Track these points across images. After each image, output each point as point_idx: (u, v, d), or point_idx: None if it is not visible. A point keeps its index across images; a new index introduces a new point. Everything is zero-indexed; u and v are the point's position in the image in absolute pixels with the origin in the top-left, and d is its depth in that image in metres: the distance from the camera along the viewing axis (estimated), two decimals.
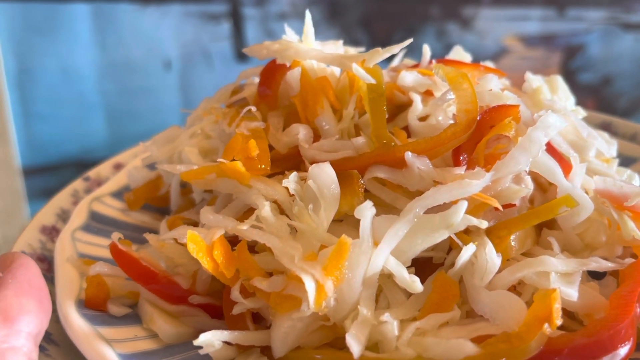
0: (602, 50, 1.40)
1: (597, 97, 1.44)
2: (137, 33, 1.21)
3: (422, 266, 0.56)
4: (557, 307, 0.48)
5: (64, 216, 0.77)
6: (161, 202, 0.78)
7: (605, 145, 0.70)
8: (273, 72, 0.68)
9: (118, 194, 0.80)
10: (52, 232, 0.73)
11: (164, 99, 1.25)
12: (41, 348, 0.53)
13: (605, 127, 0.91)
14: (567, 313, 0.53)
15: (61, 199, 0.80)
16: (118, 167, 0.88)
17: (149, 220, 0.77)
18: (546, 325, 0.47)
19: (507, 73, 0.72)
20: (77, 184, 0.83)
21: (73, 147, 1.24)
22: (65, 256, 0.64)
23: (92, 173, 0.86)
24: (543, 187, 0.65)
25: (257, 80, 0.73)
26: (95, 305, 0.59)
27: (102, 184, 0.82)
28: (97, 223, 0.73)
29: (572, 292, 0.51)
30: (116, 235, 0.60)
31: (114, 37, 1.21)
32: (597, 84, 1.42)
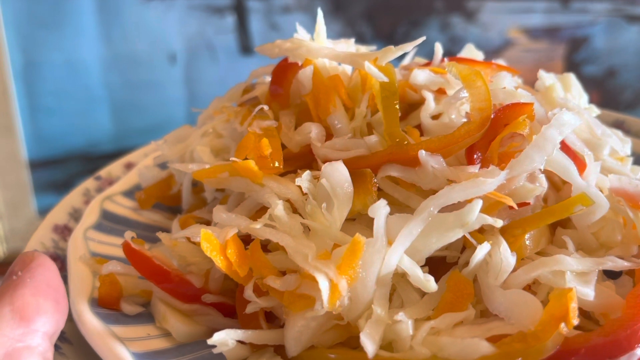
0: (607, 43, 1.39)
1: (602, 89, 1.43)
2: (142, 26, 1.22)
3: (436, 265, 0.55)
4: (573, 306, 0.47)
5: (75, 215, 0.77)
6: (172, 201, 0.78)
7: (620, 144, 0.69)
8: (285, 70, 0.67)
9: (129, 193, 0.80)
10: (64, 231, 0.74)
11: (169, 92, 1.25)
12: (55, 347, 0.53)
13: (617, 125, 0.91)
14: (583, 313, 0.52)
15: (73, 198, 0.80)
16: (129, 166, 0.89)
17: (160, 219, 0.77)
18: (562, 324, 0.46)
19: (518, 70, 0.72)
20: (89, 183, 0.83)
21: (79, 140, 1.24)
22: (77, 255, 0.64)
23: (103, 172, 0.87)
24: (557, 185, 0.64)
25: (268, 79, 0.73)
26: (108, 304, 0.59)
27: (113, 183, 0.83)
28: (109, 222, 0.73)
29: (588, 292, 0.50)
30: (129, 234, 0.60)
31: (119, 30, 1.21)
32: (602, 76, 1.42)
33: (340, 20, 1.22)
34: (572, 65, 1.41)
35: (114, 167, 0.88)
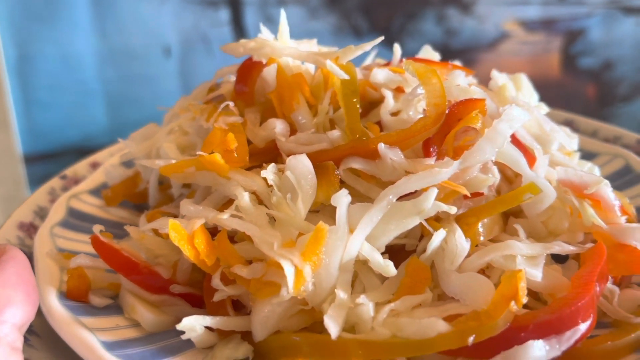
0: (603, 35, 1.39)
1: (598, 82, 1.43)
2: (136, 20, 1.21)
3: (396, 253, 0.58)
4: (522, 286, 0.51)
5: (41, 213, 0.77)
6: (139, 198, 0.79)
7: (567, 139, 0.74)
8: (250, 69, 0.70)
9: (96, 192, 0.80)
10: (30, 229, 0.74)
11: (164, 86, 1.25)
12: (23, 338, 0.54)
13: (567, 124, 0.95)
14: (532, 294, 0.55)
15: (38, 196, 0.80)
16: (95, 165, 0.89)
17: (127, 216, 0.78)
18: (513, 303, 0.50)
19: (473, 71, 0.75)
20: (54, 182, 0.84)
21: (74, 134, 1.23)
22: (44, 250, 0.65)
23: (68, 171, 0.87)
24: (509, 179, 0.68)
25: (233, 78, 0.75)
26: (76, 297, 0.59)
27: (79, 182, 0.83)
28: (75, 219, 0.74)
29: (536, 273, 0.54)
30: (97, 228, 0.61)
31: (114, 24, 1.20)
32: (598, 68, 1.42)
33: (336, 13, 1.23)
34: (568, 57, 1.41)
35: (79, 167, 0.88)
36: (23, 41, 1.16)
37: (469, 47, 1.31)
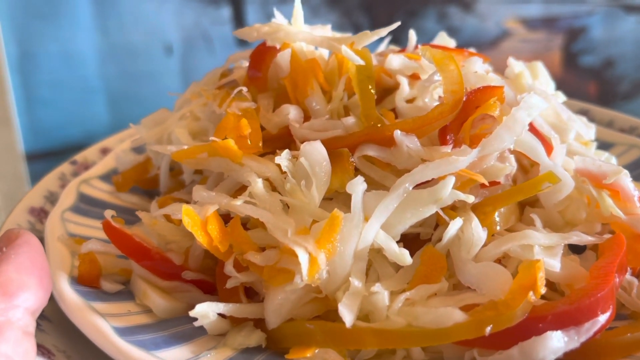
0: (605, 33, 1.38)
1: (599, 80, 1.42)
2: (138, 17, 1.21)
3: (411, 242, 0.57)
4: (541, 276, 0.50)
5: (51, 198, 0.77)
6: (150, 184, 0.79)
7: (585, 128, 0.73)
8: (263, 54, 0.69)
9: (106, 177, 0.80)
10: (40, 214, 0.74)
11: (166, 83, 1.25)
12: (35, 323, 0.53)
13: (583, 113, 0.94)
14: (549, 285, 0.54)
15: (48, 181, 0.80)
16: (105, 151, 0.89)
17: (138, 202, 0.77)
18: (531, 293, 0.49)
19: (489, 58, 0.74)
20: (64, 168, 0.83)
21: (75, 132, 1.23)
22: (55, 235, 0.64)
23: (79, 157, 0.87)
24: (525, 168, 0.67)
25: (245, 64, 0.74)
26: (87, 282, 0.59)
27: (89, 168, 0.83)
28: (86, 205, 0.73)
29: (555, 263, 0.53)
30: (109, 213, 0.61)
31: (115, 21, 1.20)
32: (599, 66, 1.41)
33: (337, 10, 1.22)
34: (569, 55, 1.40)
35: (89, 152, 0.88)
36: (25, 38, 1.16)
37: (470, 45, 1.30)
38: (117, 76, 1.24)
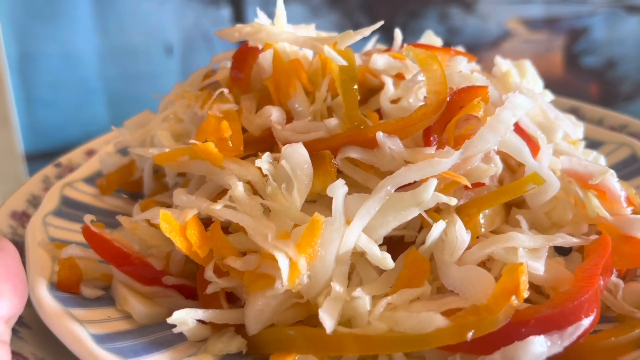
0: (606, 33, 1.38)
1: (601, 80, 1.42)
2: (138, 18, 1.21)
3: (395, 245, 0.57)
4: (524, 279, 0.49)
5: (34, 202, 0.76)
6: (134, 187, 0.78)
7: (572, 127, 0.72)
8: (245, 54, 0.68)
9: (90, 180, 0.79)
10: (22, 218, 0.73)
11: (166, 84, 1.23)
12: (13, 331, 0.53)
13: (573, 111, 0.94)
14: (534, 287, 0.54)
15: (31, 185, 0.79)
16: (90, 153, 0.88)
17: (121, 204, 0.77)
18: (513, 297, 0.48)
19: (476, 57, 0.73)
20: (48, 170, 0.82)
21: (75, 132, 1.23)
22: (36, 240, 0.63)
23: (63, 159, 0.86)
24: (512, 168, 0.66)
25: (229, 64, 0.73)
26: (67, 288, 0.58)
27: (74, 170, 0.82)
28: (69, 208, 0.73)
29: (538, 266, 0.52)
30: (88, 218, 0.60)
31: (115, 21, 1.20)
32: (601, 67, 1.41)
33: (338, 11, 1.22)
34: (571, 56, 1.40)
35: (74, 154, 0.87)
36: (25, 39, 1.15)
37: (472, 46, 1.29)
38: (117, 77, 1.24)
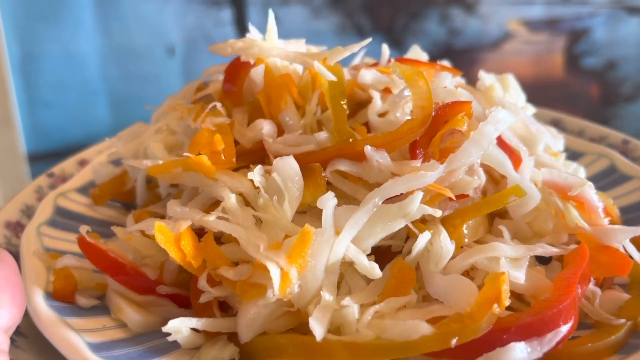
0: (607, 35, 1.39)
1: (602, 81, 1.42)
2: (140, 19, 1.21)
3: (382, 255, 0.59)
4: (505, 288, 0.51)
5: (28, 212, 0.77)
6: (127, 197, 0.79)
7: (553, 140, 0.75)
8: (237, 69, 0.70)
9: (83, 190, 0.80)
10: (16, 228, 0.74)
11: (167, 85, 1.25)
12: (10, 340, 0.54)
13: (554, 123, 0.96)
14: (516, 295, 0.56)
15: (25, 195, 0.80)
16: (82, 163, 0.89)
17: (115, 215, 0.78)
18: (495, 305, 0.50)
19: (460, 71, 0.76)
20: (41, 180, 0.83)
21: (77, 133, 1.23)
22: (31, 250, 0.65)
23: (56, 169, 0.87)
24: (496, 180, 0.68)
25: (221, 77, 0.75)
26: (63, 297, 0.60)
27: (67, 180, 0.83)
28: (63, 218, 0.74)
29: (519, 275, 0.55)
30: (84, 228, 0.61)
31: (117, 23, 1.20)
32: (602, 68, 1.41)
33: (339, 12, 1.22)
34: (572, 57, 1.40)
35: (67, 165, 0.88)
36: (27, 40, 1.15)
37: (473, 47, 1.31)
38: (119, 78, 1.24)
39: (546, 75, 1.37)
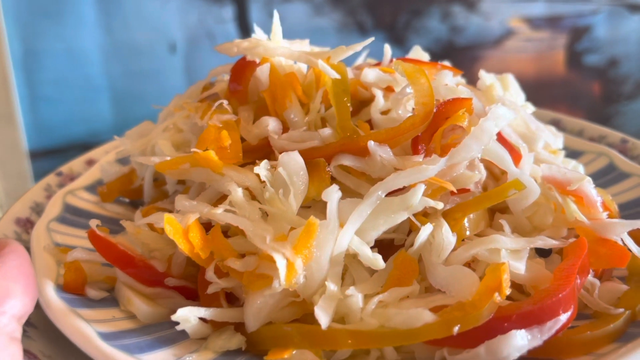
0: (609, 32, 1.38)
1: (603, 79, 1.42)
2: (142, 16, 1.22)
3: (385, 247, 0.60)
4: (506, 277, 0.53)
5: (37, 209, 0.78)
6: (134, 195, 0.81)
7: (552, 138, 0.76)
8: (243, 68, 0.71)
9: (91, 188, 0.82)
10: (26, 224, 0.75)
11: (169, 82, 1.26)
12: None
13: (554, 123, 0.98)
14: (515, 286, 0.57)
15: (34, 192, 0.81)
16: (90, 162, 0.90)
17: (122, 212, 0.79)
18: (496, 294, 0.51)
19: (461, 71, 0.77)
20: (50, 179, 0.85)
21: (79, 130, 1.24)
22: (41, 245, 0.66)
23: (64, 168, 0.88)
24: (496, 176, 0.70)
25: (227, 77, 0.77)
26: (73, 290, 0.61)
27: (75, 179, 0.84)
28: (72, 215, 0.75)
29: (520, 266, 0.56)
30: (94, 222, 0.63)
31: (120, 19, 1.21)
32: (603, 66, 1.41)
33: (341, 9, 1.23)
34: (573, 54, 1.40)
35: (75, 164, 0.90)
36: (29, 36, 1.16)
37: (474, 44, 1.31)
38: (121, 74, 1.25)
39: (548, 73, 1.36)
